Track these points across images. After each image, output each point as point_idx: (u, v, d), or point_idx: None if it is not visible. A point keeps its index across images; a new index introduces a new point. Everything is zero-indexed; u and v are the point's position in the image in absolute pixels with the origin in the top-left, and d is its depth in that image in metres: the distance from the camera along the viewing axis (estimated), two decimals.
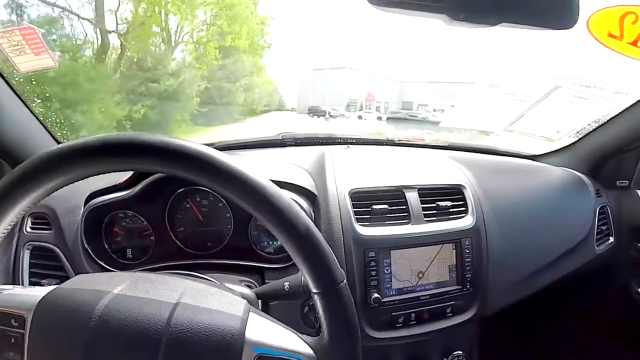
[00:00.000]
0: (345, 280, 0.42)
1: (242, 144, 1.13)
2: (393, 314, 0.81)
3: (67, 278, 0.78)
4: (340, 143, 1.16)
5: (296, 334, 0.44)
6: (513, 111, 1.18)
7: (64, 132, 0.97)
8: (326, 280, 0.41)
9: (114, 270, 0.79)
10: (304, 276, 0.42)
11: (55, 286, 0.44)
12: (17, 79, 0.84)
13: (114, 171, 0.42)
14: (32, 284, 0.81)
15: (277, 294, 0.59)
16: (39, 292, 0.43)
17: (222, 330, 0.40)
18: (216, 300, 0.45)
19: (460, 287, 0.87)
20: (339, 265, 0.42)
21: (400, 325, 0.81)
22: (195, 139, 0.55)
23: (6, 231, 0.42)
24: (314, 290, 0.41)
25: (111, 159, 0.40)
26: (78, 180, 0.42)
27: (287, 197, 0.41)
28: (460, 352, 0.91)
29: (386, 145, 1.22)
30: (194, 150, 0.40)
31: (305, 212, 0.79)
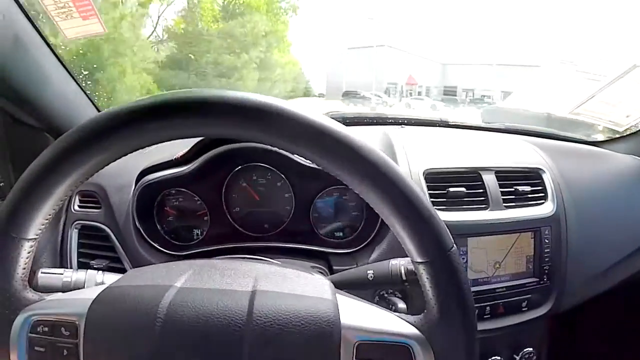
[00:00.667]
0: (455, 246, 0.35)
1: None
2: None
3: (118, 259, 0.74)
4: (392, 123, 1.08)
5: (395, 314, 0.37)
6: (583, 91, 1.08)
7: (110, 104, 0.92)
8: (436, 247, 0.34)
9: (166, 251, 0.75)
10: (406, 244, 0.35)
11: (105, 286, 0.38)
12: (63, 47, 0.79)
13: (186, 137, 0.35)
14: (80, 265, 0.77)
15: (357, 283, 0.52)
16: (89, 293, 0.37)
17: (314, 317, 0.34)
18: (297, 283, 0.38)
19: (537, 279, 0.80)
20: (447, 231, 0.35)
21: None
22: None
23: (58, 206, 0.36)
24: (421, 260, 0.34)
25: (193, 120, 0.34)
26: (145, 147, 0.35)
27: (387, 158, 0.34)
28: (531, 349, 0.84)
29: (440, 126, 1.13)
30: (266, 104, 0.33)
31: None
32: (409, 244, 0.34)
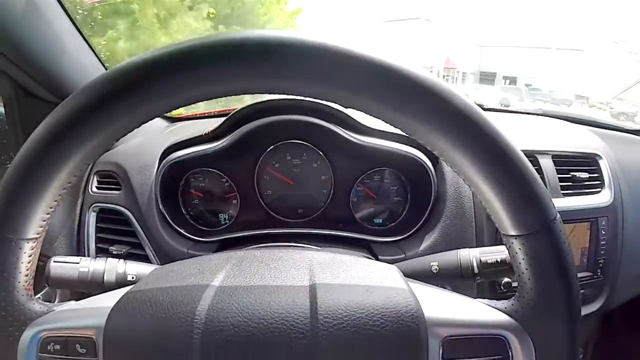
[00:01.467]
0: (559, 215, 0.28)
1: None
2: None
3: (139, 245, 0.69)
4: None
5: (482, 301, 0.31)
6: (633, 75, 1.01)
7: None
8: (540, 216, 0.27)
9: (191, 237, 0.69)
10: (499, 214, 0.28)
11: (126, 290, 0.31)
12: (80, 11, 0.73)
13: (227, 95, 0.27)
14: (99, 250, 0.71)
15: (419, 275, 0.46)
16: (107, 300, 0.31)
17: (394, 312, 0.28)
18: (361, 271, 0.32)
19: (591, 274, 0.74)
20: (550, 198, 0.28)
21: None
22: None
23: (62, 194, 0.29)
24: (517, 233, 0.28)
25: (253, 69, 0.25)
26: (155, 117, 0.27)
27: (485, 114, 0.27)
28: (580, 349, 0.79)
29: (493, 111, 1.07)
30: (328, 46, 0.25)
31: (430, 176, 0.66)
32: (503, 214, 0.28)
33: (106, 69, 0.80)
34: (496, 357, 0.28)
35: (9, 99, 0.72)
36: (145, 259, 0.69)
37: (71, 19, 0.70)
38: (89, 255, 0.72)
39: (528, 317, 0.29)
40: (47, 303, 0.31)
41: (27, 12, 0.62)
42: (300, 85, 0.25)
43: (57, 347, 0.29)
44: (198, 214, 0.73)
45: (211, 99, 0.27)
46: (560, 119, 1.02)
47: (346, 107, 0.29)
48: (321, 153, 0.70)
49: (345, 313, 0.27)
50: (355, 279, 0.31)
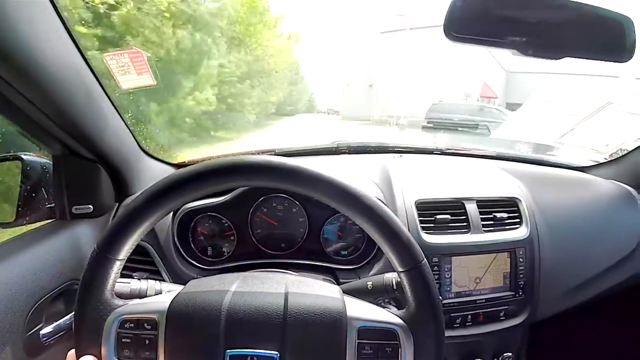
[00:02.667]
0: (425, 260, 0.49)
1: (298, 152, 1.21)
2: (452, 314, 0.87)
3: (157, 272, 0.89)
4: (392, 151, 1.22)
5: (386, 309, 0.52)
6: (565, 124, 1.21)
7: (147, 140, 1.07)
8: (411, 260, 0.49)
9: (199, 265, 0.89)
10: (391, 259, 0.49)
11: (176, 292, 0.51)
12: (117, 94, 0.94)
13: (238, 187, 0.51)
14: (122, 276, 0.90)
15: (359, 292, 0.66)
16: (163, 299, 0.50)
17: (329, 310, 0.48)
18: (316, 287, 0.53)
19: (514, 293, 0.92)
20: (419, 248, 0.50)
21: (458, 325, 0.88)
22: None
23: (144, 234, 0.50)
24: (401, 269, 0.49)
25: (241, 177, 0.49)
26: (204, 195, 0.50)
27: (373, 196, 0.49)
28: (510, 354, 0.97)
29: (435, 154, 1.27)
30: (299, 168, 0.48)
31: None
32: (393, 259, 0.49)
33: (134, 136, 1.01)
34: (391, 342, 0.49)
35: (58, 157, 0.90)
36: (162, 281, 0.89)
37: (112, 102, 0.90)
38: None
39: (411, 321, 0.50)
40: (123, 299, 0.50)
41: (83, 96, 0.80)
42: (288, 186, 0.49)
43: (132, 325, 0.47)
44: (204, 248, 0.94)
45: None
46: (496, 159, 1.22)
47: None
48: (297, 202, 0.92)
49: (302, 309, 0.48)
50: (310, 291, 0.52)
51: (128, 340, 0.47)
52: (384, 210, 0.49)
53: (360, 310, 0.50)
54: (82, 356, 0.47)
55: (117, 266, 0.49)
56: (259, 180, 0.49)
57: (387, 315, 0.50)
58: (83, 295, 0.48)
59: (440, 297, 0.84)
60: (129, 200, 0.96)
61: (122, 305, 0.49)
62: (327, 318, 0.48)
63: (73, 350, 0.48)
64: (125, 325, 0.47)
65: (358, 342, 0.48)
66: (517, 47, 0.67)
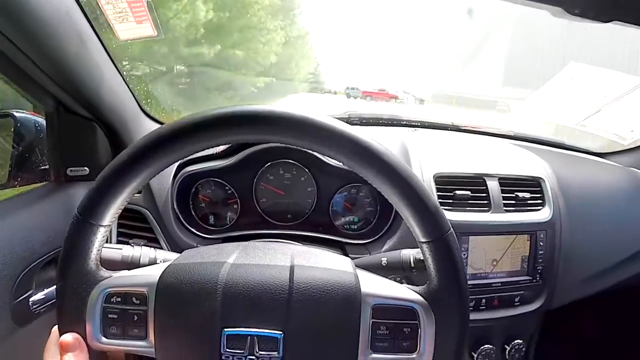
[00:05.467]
0: (452, 230, 0.43)
1: None
2: None
3: (154, 239, 0.84)
4: (406, 125, 1.16)
5: (404, 285, 0.46)
6: (591, 106, 1.14)
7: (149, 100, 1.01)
8: (436, 229, 0.43)
9: (199, 234, 0.84)
10: (412, 227, 0.43)
11: (167, 263, 0.45)
12: (114, 45, 0.87)
13: (243, 141, 0.44)
14: (119, 242, 0.86)
15: (372, 268, 0.61)
16: (154, 270, 0.44)
17: (340, 285, 0.43)
18: (325, 259, 0.47)
19: (531, 278, 0.88)
20: (445, 217, 0.43)
21: (471, 309, 0.83)
22: None
23: (130, 198, 0.43)
24: (424, 240, 0.43)
25: (242, 129, 0.42)
26: (195, 153, 0.44)
27: (398, 157, 0.43)
28: (521, 341, 0.93)
29: (451, 130, 1.21)
30: (308, 119, 0.41)
31: None
32: (415, 228, 0.43)
33: (133, 94, 0.95)
34: (409, 321, 0.43)
35: (51, 114, 0.85)
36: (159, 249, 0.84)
37: (109, 54, 0.85)
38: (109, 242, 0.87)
39: (432, 297, 0.44)
40: (109, 270, 0.44)
41: (75, 44, 0.74)
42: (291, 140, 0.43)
43: (119, 299, 0.42)
44: (205, 216, 0.88)
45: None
46: (514, 139, 1.16)
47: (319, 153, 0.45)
48: (307, 170, 0.86)
49: (309, 283, 0.42)
50: (319, 264, 0.46)
51: (115, 316, 0.42)
52: (408, 172, 0.42)
53: (375, 286, 0.44)
54: (64, 333, 0.42)
55: (102, 233, 0.43)
56: (262, 134, 0.43)
57: (406, 292, 0.44)
58: (64, 266, 0.42)
59: None
60: None
61: (107, 277, 0.43)
62: (338, 294, 0.42)
63: (56, 327, 0.43)
64: (112, 300, 0.42)
65: (372, 322, 0.42)
66: (562, 5, 0.60)
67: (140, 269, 0.47)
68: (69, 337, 0.41)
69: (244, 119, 0.42)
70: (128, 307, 0.42)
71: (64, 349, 0.41)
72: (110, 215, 0.42)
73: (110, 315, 0.42)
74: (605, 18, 0.62)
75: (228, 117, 0.41)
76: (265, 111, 0.41)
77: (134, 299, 0.42)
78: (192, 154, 0.43)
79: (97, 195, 0.42)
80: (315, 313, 0.42)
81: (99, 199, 0.41)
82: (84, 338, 0.42)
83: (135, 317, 0.42)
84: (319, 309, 0.42)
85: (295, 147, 0.44)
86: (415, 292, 0.45)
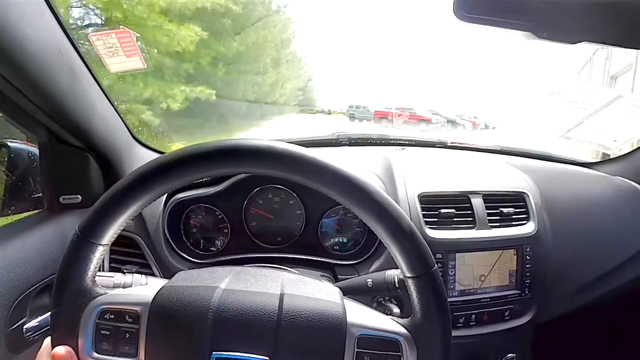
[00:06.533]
0: (436, 267, 0.45)
1: (298, 142, 1.17)
2: (455, 314, 0.83)
3: (146, 265, 0.85)
4: (394, 144, 1.18)
5: (389, 317, 0.47)
6: (572, 119, 1.17)
7: (140, 128, 1.03)
8: (422, 266, 0.44)
9: (192, 259, 0.85)
10: (399, 262, 0.45)
11: (162, 284, 0.47)
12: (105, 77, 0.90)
13: (228, 174, 0.46)
14: (111, 269, 0.87)
15: (359, 289, 0.63)
16: (148, 290, 0.46)
17: (327, 315, 0.44)
18: (314, 289, 0.48)
19: (519, 292, 0.89)
20: (431, 253, 0.45)
21: (461, 325, 0.84)
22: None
23: (130, 220, 0.45)
24: (409, 275, 0.45)
25: (241, 163, 0.45)
26: (194, 181, 0.46)
27: (385, 194, 0.45)
28: (514, 355, 0.94)
29: (438, 147, 1.23)
30: (305, 156, 0.44)
31: None
32: (402, 263, 0.45)
33: (125, 123, 0.97)
34: (392, 352, 0.45)
35: (44, 144, 0.86)
36: (151, 275, 0.85)
37: (99, 85, 0.87)
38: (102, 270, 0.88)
39: (415, 330, 0.45)
40: (104, 288, 0.46)
41: (67, 78, 0.76)
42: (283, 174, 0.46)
43: (112, 316, 0.44)
44: (196, 240, 0.89)
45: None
46: (501, 153, 1.18)
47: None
48: (295, 194, 0.88)
49: (298, 312, 0.44)
50: (308, 293, 0.47)
51: (107, 333, 0.44)
52: (396, 209, 0.45)
53: (361, 317, 0.46)
54: (57, 346, 0.43)
55: (100, 252, 0.45)
56: (259, 168, 0.45)
57: (390, 324, 0.46)
58: (61, 281, 0.44)
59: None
60: None
61: (102, 294, 0.45)
62: (325, 323, 0.44)
63: (49, 339, 0.45)
64: (105, 316, 0.44)
65: (357, 351, 0.44)
66: (530, 29, 0.63)
67: (135, 287, 0.49)
68: (61, 350, 0.43)
69: (248, 153, 0.44)
70: (121, 325, 0.43)
71: None
72: (110, 236, 0.44)
73: (102, 331, 0.43)
74: (573, 40, 0.65)
75: (228, 149, 0.44)
76: (266, 146, 0.44)
77: (127, 317, 0.44)
78: (191, 182, 0.46)
79: (99, 216, 0.44)
80: (302, 341, 0.43)
81: (100, 219, 0.44)
82: (76, 352, 0.43)
83: (127, 335, 0.43)
84: (306, 337, 0.43)
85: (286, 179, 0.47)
86: (399, 324, 0.46)
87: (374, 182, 0.89)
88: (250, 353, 0.42)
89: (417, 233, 0.45)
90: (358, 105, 12.22)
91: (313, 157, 0.44)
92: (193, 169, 0.44)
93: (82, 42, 0.81)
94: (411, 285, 0.45)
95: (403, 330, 0.45)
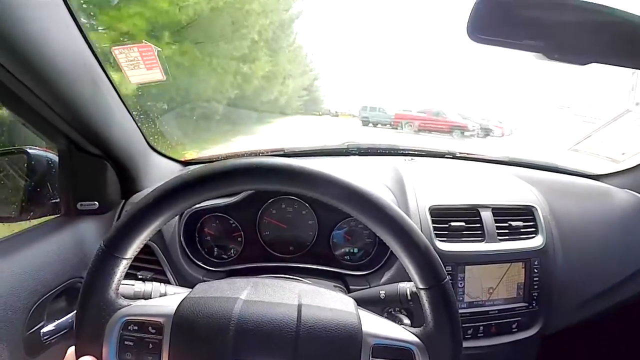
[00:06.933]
0: (447, 278, 0.47)
1: (307, 152, 1.19)
2: (463, 325, 0.84)
3: (162, 271, 0.87)
4: (403, 154, 1.20)
5: (402, 326, 0.49)
6: (580, 132, 1.18)
7: (156, 137, 1.05)
8: (433, 277, 0.46)
9: (206, 267, 0.87)
10: (411, 274, 0.47)
11: (183, 295, 0.48)
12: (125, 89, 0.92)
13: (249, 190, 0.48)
14: (127, 275, 0.89)
15: (371, 301, 0.64)
16: (170, 302, 0.47)
17: (344, 325, 0.46)
18: (330, 299, 0.50)
19: (527, 304, 0.90)
20: (442, 266, 0.47)
21: (469, 336, 0.86)
22: None
23: (153, 235, 0.47)
24: (422, 286, 0.47)
25: (260, 180, 0.47)
26: (214, 198, 0.48)
27: (398, 209, 0.47)
28: None
29: (447, 158, 1.24)
30: (322, 175, 0.46)
31: None
32: (415, 275, 0.47)
33: (142, 132, 1.00)
34: None
35: (64, 152, 0.89)
36: (167, 283, 0.87)
37: (119, 95, 0.89)
38: None
39: (428, 340, 0.47)
40: (128, 300, 0.48)
41: (89, 89, 0.79)
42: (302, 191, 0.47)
43: (135, 327, 0.45)
44: (211, 248, 0.91)
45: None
46: (509, 164, 1.19)
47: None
48: (307, 205, 0.90)
49: (316, 322, 0.46)
50: (326, 304, 0.49)
51: (130, 343, 0.45)
52: (408, 223, 0.46)
53: (376, 326, 0.48)
54: (82, 356, 0.45)
55: (124, 265, 0.46)
56: (277, 185, 0.47)
57: (404, 333, 0.48)
58: (86, 293, 0.46)
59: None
60: (135, 197, 0.94)
61: (126, 306, 0.47)
62: (342, 333, 0.45)
63: (72, 349, 0.46)
64: (129, 328, 0.45)
65: None
66: (541, 50, 0.65)
67: (158, 299, 0.51)
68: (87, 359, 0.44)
69: (261, 171, 0.46)
70: (144, 335, 0.45)
71: None
72: (133, 250, 0.46)
73: (126, 342, 0.45)
74: (584, 61, 0.67)
75: (246, 168, 0.46)
76: (285, 165, 0.46)
77: (150, 328, 0.45)
78: (213, 198, 0.47)
79: (123, 231, 0.45)
80: (320, 350, 0.45)
81: (124, 234, 0.45)
82: None
83: (150, 345, 0.44)
84: (324, 346, 0.45)
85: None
86: (413, 333, 0.48)
87: (386, 194, 0.91)
88: None
89: (429, 246, 0.46)
90: (373, 106, 10.50)
91: (328, 174, 0.46)
92: (215, 186, 0.46)
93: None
94: (423, 296, 0.47)
95: (416, 339, 0.47)
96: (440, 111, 8.97)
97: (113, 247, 0.45)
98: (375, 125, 9.92)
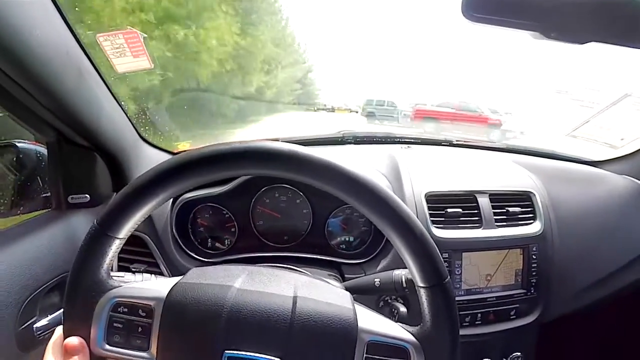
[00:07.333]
0: (449, 278, 0.45)
1: (303, 141, 1.17)
2: (461, 313, 0.84)
3: (155, 264, 0.86)
4: (399, 142, 1.18)
5: (399, 324, 0.48)
6: (578, 117, 1.17)
7: (147, 127, 1.03)
8: (435, 277, 0.45)
9: (200, 258, 0.86)
10: (412, 271, 0.45)
11: (176, 279, 0.47)
12: (112, 77, 0.90)
13: (243, 175, 0.46)
14: (120, 267, 0.88)
15: (366, 289, 0.63)
16: (162, 286, 0.46)
17: (339, 320, 0.44)
18: (327, 292, 0.49)
19: (525, 291, 0.89)
20: (444, 265, 0.45)
21: (467, 324, 0.85)
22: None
23: (146, 217, 0.46)
24: (422, 285, 0.45)
25: (260, 165, 0.45)
26: (210, 181, 0.46)
27: (402, 202, 0.45)
28: (519, 354, 0.94)
29: (444, 145, 1.23)
30: (319, 160, 0.44)
31: None
32: (415, 273, 0.45)
33: (132, 123, 0.98)
34: None
35: (52, 145, 0.87)
36: (159, 275, 0.86)
37: (107, 85, 0.87)
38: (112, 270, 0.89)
39: (424, 339, 0.46)
40: (118, 279, 0.46)
41: (74, 79, 0.77)
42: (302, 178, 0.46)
43: (125, 309, 0.44)
44: (204, 239, 0.90)
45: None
46: (506, 151, 1.18)
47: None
48: (301, 193, 0.88)
49: (311, 315, 0.44)
50: (322, 297, 0.48)
51: (120, 325, 0.44)
52: (412, 219, 0.45)
53: (372, 323, 0.46)
54: (69, 336, 0.43)
55: (116, 245, 0.45)
56: (279, 170, 0.46)
57: (400, 331, 0.46)
58: (77, 272, 0.44)
59: None
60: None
61: (117, 287, 0.45)
62: (337, 328, 0.44)
63: (60, 329, 0.45)
64: (119, 309, 0.44)
65: (366, 357, 0.44)
66: (539, 29, 0.63)
67: (150, 282, 0.49)
68: (74, 340, 0.43)
69: (268, 155, 0.45)
70: (134, 318, 0.44)
71: (68, 351, 0.42)
72: (127, 230, 0.45)
73: (115, 324, 0.44)
74: (582, 40, 0.65)
75: (241, 151, 0.45)
76: (290, 151, 0.45)
77: (140, 310, 0.44)
78: (207, 182, 0.46)
79: (117, 209, 0.44)
80: (313, 344, 0.43)
81: (118, 213, 0.44)
82: (87, 343, 0.43)
83: (140, 329, 0.43)
84: (317, 340, 0.43)
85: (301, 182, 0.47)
86: (409, 332, 0.47)
87: (381, 181, 0.89)
88: (262, 353, 0.42)
89: (432, 245, 0.45)
90: (380, 100, 8.84)
91: (331, 161, 0.45)
92: (212, 169, 0.45)
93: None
94: (423, 294, 0.45)
95: (412, 338, 0.46)
96: (467, 102, 7.21)
97: (106, 226, 0.44)
98: (381, 122, 8.56)
